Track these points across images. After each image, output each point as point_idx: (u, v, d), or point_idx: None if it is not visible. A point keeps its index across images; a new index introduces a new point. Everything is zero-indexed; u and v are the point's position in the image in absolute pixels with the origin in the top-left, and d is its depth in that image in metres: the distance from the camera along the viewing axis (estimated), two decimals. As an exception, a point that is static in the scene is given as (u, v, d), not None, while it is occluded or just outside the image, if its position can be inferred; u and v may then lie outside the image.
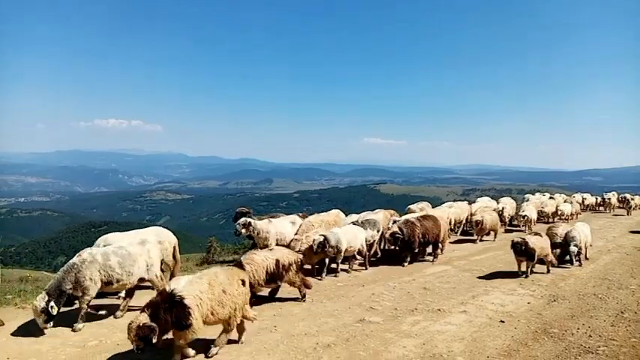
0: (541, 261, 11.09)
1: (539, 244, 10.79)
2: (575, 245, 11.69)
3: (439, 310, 8.17)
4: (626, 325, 7.43)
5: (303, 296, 8.62)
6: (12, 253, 68.03)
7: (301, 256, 8.92)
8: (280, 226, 11.51)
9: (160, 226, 10.89)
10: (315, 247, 9.78)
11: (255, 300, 8.54)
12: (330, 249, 9.94)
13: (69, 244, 70.07)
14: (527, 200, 22.66)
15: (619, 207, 26.99)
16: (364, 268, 11.48)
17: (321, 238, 9.87)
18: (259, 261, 7.94)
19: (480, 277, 10.66)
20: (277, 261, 8.09)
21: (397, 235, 11.53)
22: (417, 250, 12.24)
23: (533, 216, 18.28)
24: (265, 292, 8.74)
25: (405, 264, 11.78)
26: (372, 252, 12.32)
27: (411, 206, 16.99)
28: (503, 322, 7.55)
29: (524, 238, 10.63)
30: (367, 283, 10.12)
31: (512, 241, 10.77)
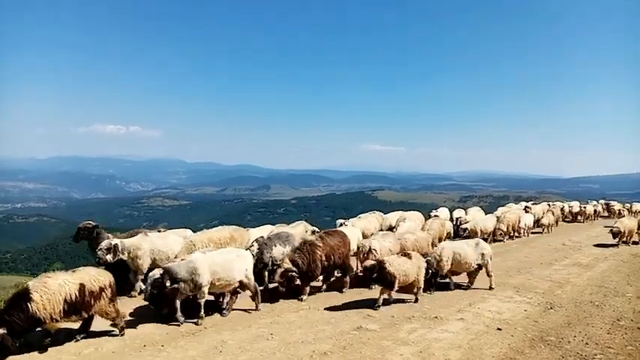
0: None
1: (402, 267, 8.73)
2: (427, 262, 9.67)
3: (436, 317, 8.16)
4: (623, 333, 7.44)
5: (121, 329, 6.97)
6: (8, 259, 67.74)
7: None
8: (161, 244, 9.40)
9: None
10: (148, 288, 7.31)
11: (251, 306, 8.54)
12: (183, 285, 7.32)
13: (65, 251, 69.95)
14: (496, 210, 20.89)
15: (607, 216, 25.87)
16: (254, 307, 8.52)
17: (157, 274, 7.36)
18: (55, 287, 6.14)
19: (477, 285, 10.65)
20: (82, 286, 6.37)
21: (291, 275, 8.91)
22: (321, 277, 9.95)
23: (481, 227, 16.60)
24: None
25: (304, 297, 9.25)
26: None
27: (361, 215, 15.33)
28: (500, 329, 7.55)
29: (381, 261, 8.68)
30: (364, 291, 10.09)
31: (364, 265, 9.10)
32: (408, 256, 9.11)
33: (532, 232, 19.73)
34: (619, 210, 25.51)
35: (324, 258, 9.46)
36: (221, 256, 8.05)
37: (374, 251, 10.25)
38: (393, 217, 15.95)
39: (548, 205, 24.22)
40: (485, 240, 17.12)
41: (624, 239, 16.62)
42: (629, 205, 26.69)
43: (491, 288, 10.22)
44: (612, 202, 27.12)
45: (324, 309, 8.62)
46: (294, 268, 8.96)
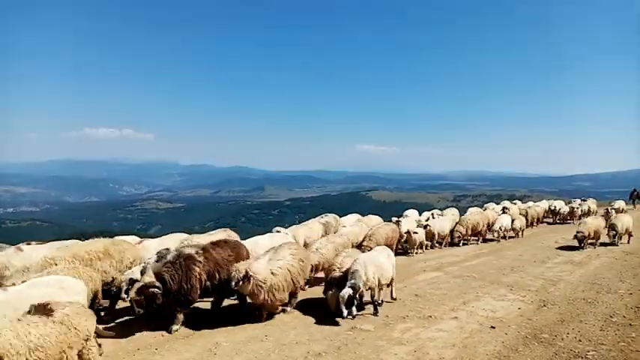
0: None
1: (28, 339, 4.54)
2: (353, 287, 7.64)
3: (430, 316, 8.20)
4: (615, 330, 7.50)
5: None
6: None
7: None
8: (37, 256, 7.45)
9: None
10: None
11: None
12: None
13: (58, 255, 69.52)
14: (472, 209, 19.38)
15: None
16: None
17: None
18: None
19: (471, 283, 10.70)
20: None
21: (152, 292, 6.77)
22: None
23: (438, 230, 15.56)
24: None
25: (175, 327, 7.25)
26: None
27: (317, 219, 13.98)
28: (493, 327, 7.59)
29: None
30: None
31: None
32: (48, 311, 4.91)
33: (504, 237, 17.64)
34: (605, 210, 24.54)
35: (204, 276, 7.50)
36: (33, 293, 5.49)
37: (253, 279, 7.40)
38: (348, 221, 14.66)
39: (533, 203, 23.62)
40: (457, 242, 16.33)
41: (590, 241, 15.33)
42: (613, 202, 25.81)
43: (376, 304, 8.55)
44: (588, 200, 25.40)
45: (318, 310, 8.60)
46: (158, 284, 6.91)
